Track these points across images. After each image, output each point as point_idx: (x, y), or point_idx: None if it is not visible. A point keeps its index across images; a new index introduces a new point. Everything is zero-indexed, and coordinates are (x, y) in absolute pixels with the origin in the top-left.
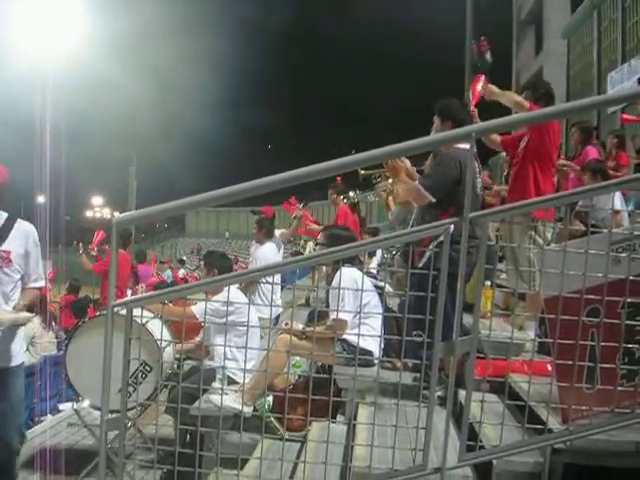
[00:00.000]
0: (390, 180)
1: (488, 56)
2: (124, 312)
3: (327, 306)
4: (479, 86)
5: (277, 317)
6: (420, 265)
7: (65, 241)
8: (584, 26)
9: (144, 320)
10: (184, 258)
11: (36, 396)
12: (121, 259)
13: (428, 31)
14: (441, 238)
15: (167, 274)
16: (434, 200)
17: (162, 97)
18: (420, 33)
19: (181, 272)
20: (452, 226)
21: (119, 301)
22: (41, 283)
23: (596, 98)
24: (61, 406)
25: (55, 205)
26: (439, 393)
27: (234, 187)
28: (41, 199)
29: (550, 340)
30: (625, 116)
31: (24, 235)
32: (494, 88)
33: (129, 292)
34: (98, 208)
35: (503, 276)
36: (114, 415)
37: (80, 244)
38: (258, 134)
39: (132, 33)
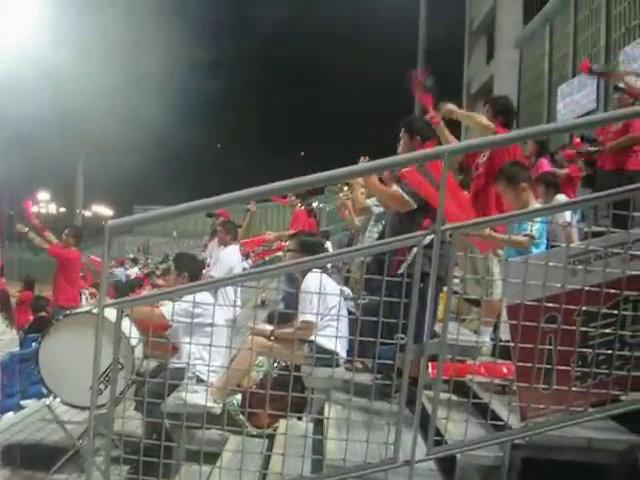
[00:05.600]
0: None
1: (429, 82)
2: (95, 311)
3: (295, 309)
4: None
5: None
6: (400, 271)
7: (11, 238)
8: (536, 37)
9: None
10: (136, 257)
11: (1, 393)
12: (73, 257)
13: (379, 43)
14: (417, 249)
15: (118, 273)
16: (416, 206)
17: (113, 91)
18: (370, 46)
19: (134, 270)
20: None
21: (111, 301)
22: None
23: (573, 122)
24: (23, 403)
25: None
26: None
27: (231, 195)
28: None
29: (512, 344)
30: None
31: None
32: (456, 109)
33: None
34: (44, 203)
35: (456, 281)
36: (102, 411)
37: (21, 225)
38: (209, 127)
39: (85, 23)
